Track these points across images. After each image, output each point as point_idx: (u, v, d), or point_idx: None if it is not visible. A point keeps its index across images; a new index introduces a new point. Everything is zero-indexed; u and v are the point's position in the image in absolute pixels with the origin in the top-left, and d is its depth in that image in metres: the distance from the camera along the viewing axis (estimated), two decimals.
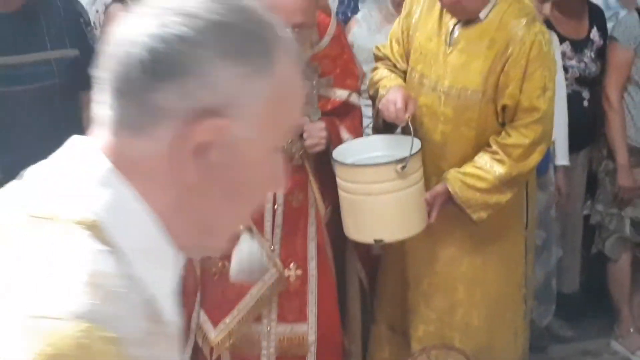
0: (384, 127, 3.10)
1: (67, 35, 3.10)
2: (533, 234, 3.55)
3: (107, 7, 3.51)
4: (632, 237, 4.21)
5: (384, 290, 3.35)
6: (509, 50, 2.89)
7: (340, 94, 3.12)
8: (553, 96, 2.99)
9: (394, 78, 3.03)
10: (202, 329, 3.17)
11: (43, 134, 2.91)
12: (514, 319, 3.29)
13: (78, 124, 3.12)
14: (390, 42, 3.17)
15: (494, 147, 2.94)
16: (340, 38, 3.19)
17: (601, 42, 4.13)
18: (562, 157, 4.03)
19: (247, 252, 2.89)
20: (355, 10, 4.19)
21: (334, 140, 3.06)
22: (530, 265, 3.52)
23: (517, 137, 2.94)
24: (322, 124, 3.04)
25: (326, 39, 3.07)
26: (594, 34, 4.13)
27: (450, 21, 2.94)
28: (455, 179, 2.95)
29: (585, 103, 4.14)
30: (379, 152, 3.00)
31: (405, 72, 3.10)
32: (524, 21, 2.90)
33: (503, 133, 2.97)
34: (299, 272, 3.16)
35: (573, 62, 4.07)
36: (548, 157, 3.85)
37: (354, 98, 3.17)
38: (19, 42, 2.96)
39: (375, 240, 2.95)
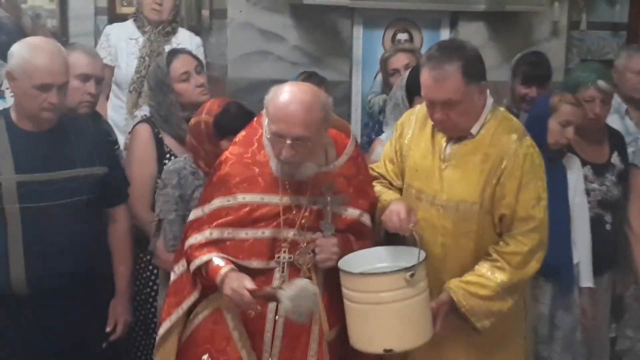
0: (385, 239, 3.12)
1: (96, 153, 3.17)
2: (529, 346, 3.49)
3: (134, 126, 3.64)
4: None
5: None
6: (504, 164, 2.93)
7: (352, 213, 3.06)
8: (546, 205, 3.00)
9: (392, 193, 3.07)
10: None
11: (70, 248, 3.02)
12: None
13: (104, 238, 3.22)
14: (384, 162, 3.23)
15: (494, 256, 2.95)
16: (357, 159, 3.16)
17: (622, 166, 4.10)
18: (586, 279, 3.90)
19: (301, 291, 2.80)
20: (380, 132, 4.19)
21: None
22: None
23: (516, 245, 2.95)
24: (334, 240, 2.98)
25: (343, 158, 3.05)
26: (615, 158, 4.09)
27: (442, 139, 3.01)
28: (458, 288, 2.94)
29: (608, 226, 4.05)
30: (383, 262, 2.98)
31: (400, 190, 3.15)
32: (515, 136, 2.96)
33: (502, 242, 2.97)
34: None
35: (595, 186, 4.00)
36: (572, 278, 3.84)
37: (366, 218, 3.11)
38: (50, 159, 3.03)
39: (385, 350, 2.85)
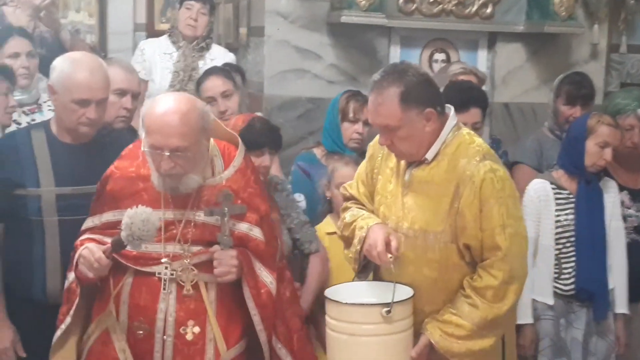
0: (360, 271, 3.09)
1: None
2: None
3: None
4: None
5: None
6: (460, 191, 2.85)
7: (240, 227, 2.98)
8: (515, 233, 2.89)
9: (367, 216, 3.02)
10: None
11: None
12: None
13: None
14: (357, 183, 3.19)
15: (467, 291, 2.87)
16: (246, 172, 3.09)
17: None
18: (621, 305, 3.86)
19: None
20: None
21: (246, 271, 2.94)
22: None
23: (487, 279, 2.85)
24: (233, 252, 2.92)
25: (230, 170, 3.00)
26: None
27: (404, 164, 2.98)
28: (434, 329, 2.88)
29: None
30: (369, 297, 2.95)
31: (372, 212, 3.10)
32: (473, 161, 2.86)
33: (475, 275, 2.89)
34: None
35: (631, 211, 4.00)
36: (607, 304, 3.80)
37: (256, 232, 3.02)
38: (87, 173, 3.06)
39: None
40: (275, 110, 4.77)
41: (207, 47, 4.89)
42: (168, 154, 2.74)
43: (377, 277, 3.07)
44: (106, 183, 2.97)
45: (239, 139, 3.14)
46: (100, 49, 5.45)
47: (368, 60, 4.94)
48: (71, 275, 2.97)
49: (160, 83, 4.76)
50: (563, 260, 3.85)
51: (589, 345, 3.86)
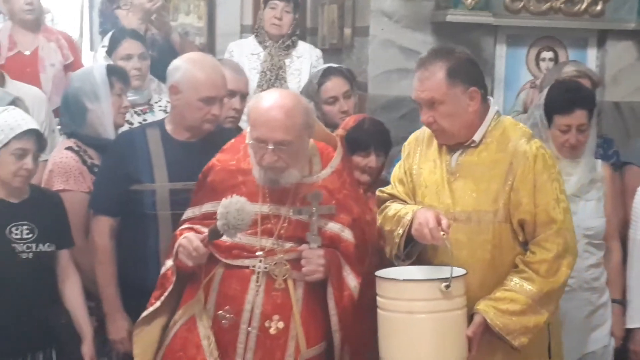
0: (406, 256, 3.01)
1: None
2: None
3: None
4: None
5: None
6: (514, 168, 2.88)
7: (332, 227, 2.98)
8: (568, 207, 2.94)
9: (411, 206, 3.00)
10: None
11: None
12: None
13: None
14: (394, 183, 3.17)
15: (521, 266, 2.88)
16: (342, 173, 3.10)
17: None
18: (638, 320, 3.78)
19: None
20: None
21: (333, 271, 2.95)
22: None
23: (541, 253, 2.86)
24: (321, 252, 2.92)
25: (327, 170, 3.02)
26: None
27: (448, 151, 2.98)
28: (487, 307, 2.85)
29: None
30: (422, 277, 2.92)
31: None
32: (523, 139, 2.91)
33: (528, 252, 2.90)
34: None
35: None
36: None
37: (347, 234, 3.01)
38: (198, 169, 3.10)
39: None
40: (378, 110, 4.77)
41: (294, 45, 4.90)
42: (272, 147, 2.77)
43: (427, 264, 3.05)
44: (207, 175, 3.03)
45: (338, 141, 3.17)
46: (209, 50, 5.52)
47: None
48: (168, 263, 3.03)
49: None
50: None
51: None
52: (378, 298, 2.82)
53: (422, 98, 2.94)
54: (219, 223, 2.76)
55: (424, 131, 3.15)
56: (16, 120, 3.14)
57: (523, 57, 5.06)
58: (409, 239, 2.93)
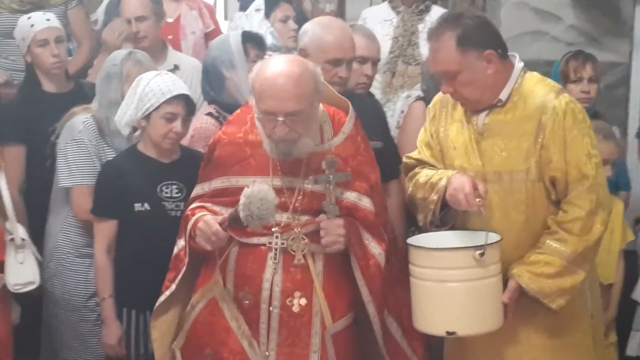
0: (442, 222, 2.96)
1: (372, 128, 3.22)
2: (600, 324, 3.39)
3: (409, 105, 3.72)
4: None
5: None
6: (543, 124, 2.80)
7: (349, 196, 2.84)
8: (600, 162, 2.84)
9: (443, 171, 2.93)
10: None
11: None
12: None
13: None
14: (421, 148, 3.09)
15: (553, 227, 2.81)
16: (356, 139, 2.95)
17: None
18: None
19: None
20: None
21: (354, 241, 2.81)
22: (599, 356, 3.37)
23: (574, 211, 2.79)
24: (340, 221, 2.78)
25: (340, 136, 2.85)
26: None
27: (475, 112, 2.93)
28: (522, 272, 2.80)
29: None
30: (456, 243, 2.85)
31: None
32: (552, 94, 2.81)
33: (560, 212, 2.83)
34: None
35: None
36: None
37: (365, 202, 2.88)
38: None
39: (448, 333, 2.73)
40: None
41: (427, 10, 4.73)
42: (282, 118, 2.64)
43: (459, 228, 3.00)
44: (214, 149, 2.93)
45: (350, 104, 3.02)
46: (339, 17, 5.32)
47: (610, 21, 4.95)
48: (180, 243, 2.97)
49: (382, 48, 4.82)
50: None
51: None
52: (410, 266, 2.79)
53: (437, 71, 2.94)
54: (242, 214, 2.64)
55: (444, 96, 3.14)
56: (167, 85, 3.21)
57: None
58: (443, 205, 2.89)
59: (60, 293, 3.57)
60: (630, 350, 3.99)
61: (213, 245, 2.78)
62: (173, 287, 2.93)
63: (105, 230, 3.32)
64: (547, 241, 2.83)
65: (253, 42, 3.74)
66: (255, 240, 2.81)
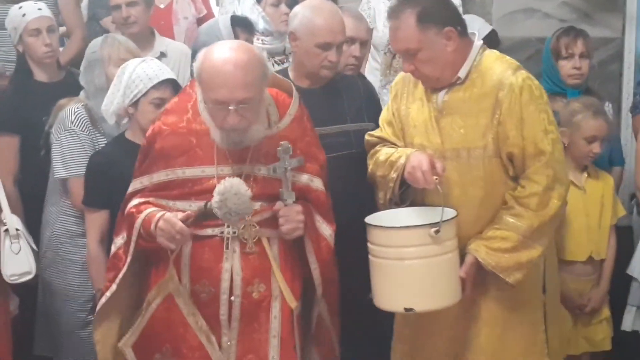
0: (401, 200, 3.02)
1: (364, 110, 3.27)
2: (555, 300, 3.47)
3: None
4: None
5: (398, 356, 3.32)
6: (500, 100, 2.84)
7: (300, 178, 2.85)
8: (557, 138, 2.92)
9: (402, 149, 2.99)
10: None
11: (342, 198, 3.04)
12: None
13: (369, 190, 3.19)
14: (383, 126, 3.15)
15: (510, 203, 2.87)
16: (302, 119, 2.96)
17: None
18: None
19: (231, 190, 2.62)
20: None
21: (309, 225, 2.85)
22: (553, 332, 3.40)
23: (530, 186, 2.85)
24: (299, 207, 2.79)
25: (286, 119, 2.85)
26: None
27: (435, 90, 2.99)
28: (479, 247, 2.86)
29: None
30: (415, 220, 2.90)
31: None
32: (509, 71, 2.87)
33: (518, 187, 2.90)
34: None
35: None
36: None
37: (317, 183, 2.91)
38: (323, 115, 3.15)
39: (406, 309, 2.78)
40: (504, 51, 4.62)
41: None
42: (233, 107, 2.60)
43: (420, 203, 3.04)
44: (154, 141, 2.86)
45: (292, 86, 3.02)
46: None
47: None
48: (119, 241, 2.93)
49: (383, 31, 4.59)
50: None
51: None
52: (368, 244, 2.83)
53: (398, 49, 3.00)
54: (220, 213, 2.65)
55: (405, 75, 3.20)
56: (154, 71, 3.24)
57: None
58: (403, 183, 2.95)
59: (57, 282, 3.59)
60: (625, 325, 4.00)
61: (177, 244, 2.76)
62: (114, 287, 2.90)
63: (98, 220, 3.33)
64: (504, 216, 2.89)
65: (242, 26, 3.72)
66: (209, 231, 2.79)
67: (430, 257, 2.77)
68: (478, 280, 2.97)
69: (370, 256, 2.86)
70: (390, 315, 3.21)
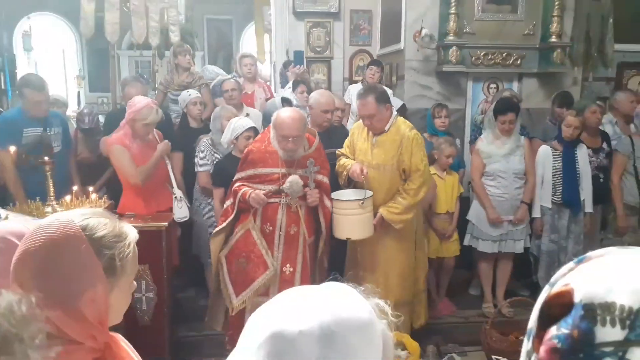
0: (348, 184, 3.70)
1: (341, 142, 4.01)
2: (421, 236, 4.15)
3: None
4: None
5: (349, 266, 3.92)
6: (403, 143, 3.59)
7: (317, 177, 3.49)
8: (426, 163, 3.68)
9: (351, 161, 3.71)
10: (230, 297, 3.48)
11: (331, 182, 3.82)
12: (413, 276, 3.92)
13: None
14: (345, 148, 3.84)
15: (400, 191, 3.62)
16: (320, 149, 3.54)
17: (608, 149, 5.02)
18: (588, 207, 4.83)
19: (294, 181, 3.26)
20: (480, 134, 5.09)
21: (321, 200, 3.48)
22: (420, 251, 4.10)
23: (411, 184, 3.62)
24: (317, 190, 3.43)
25: (313, 147, 3.49)
26: (604, 145, 5.08)
27: (372, 135, 3.62)
28: (384, 210, 3.61)
29: (601, 180, 5.02)
30: (353, 196, 3.58)
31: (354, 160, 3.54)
32: (407, 129, 3.62)
33: (405, 184, 3.63)
34: (291, 269, 3.45)
35: (593, 159, 4.99)
36: (579, 207, 4.77)
37: (325, 179, 3.54)
38: (325, 144, 3.72)
39: (347, 238, 3.62)
40: (410, 114, 5.38)
41: None
42: (291, 139, 3.26)
43: (357, 187, 3.63)
44: (248, 155, 3.43)
45: (316, 132, 3.58)
46: (327, 88, 6.15)
47: (456, 90, 5.75)
48: (227, 203, 3.50)
49: (354, 105, 5.04)
50: (556, 185, 4.79)
51: (570, 227, 4.80)
52: (333, 208, 3.47)
53: (364, 115, 3.58)
54: (289, 191, 3.28)
55: (360, 123, 3.82)
56: (245, 122, 4.06)
57: (481, 87, 5.81)
58: (350, 176, 3.57)
59: (199, 221, 4.43)
60: (465, 242, 4.93)
61: (260, 205, 3.33)
62: (224, 224, 3.48)
63: (219, 192, 4.04)
64: (397, 197, 3.58)
65: (286, 102, 4.86)
66: (273, 200, 3.42)
67: (360, 215, 3.49)
68: (383, 226, 3.60)
69: (333, 213, 3.48)
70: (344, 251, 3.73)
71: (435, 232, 4.64)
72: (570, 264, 0.77)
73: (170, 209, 4.08)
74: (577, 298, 0.72)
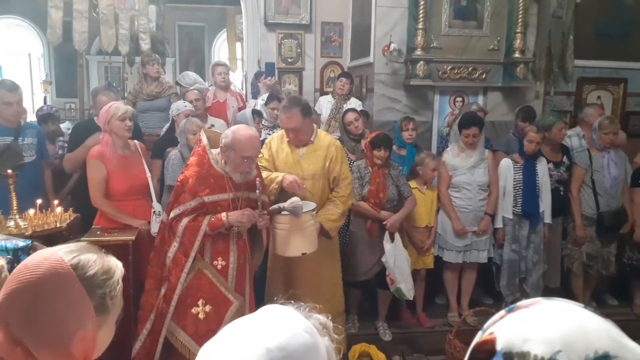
0: (277, 197, 3.52)
1: None
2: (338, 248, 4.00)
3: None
4: (587, 262, 5.13)
5: (273, 283, 3.89)
6: (331, 153, 3.62)
7: (264, 197, 3.36)
8: (351, 172, 3.72)
9: (276, 174, 3.55)
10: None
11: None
12: (335, 290, 3.91)
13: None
14: (263, 160, 3.67)
15: (332, 199, 3.63)
16: (259, 168, 3.42)
17: (568, 163, 5.11)
18: (547, 219, 4.90)
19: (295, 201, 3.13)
20: (446, 146, 5.13)
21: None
22: (348, 261, 4.09)
23: (341, 192, 3.66)
24: (264, 213, 3.36)
25: (254, 171, 3.28)
26: (565, 159, 5.13)
27: (296, 147, 3.55)
28: (322, 218, 3.60)
29: (561, 193, 5.10)
30: (298, 210, 3.40)
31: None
32: (332, 140, 3.66)
33: (334, 191, 3.67)
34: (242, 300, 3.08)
35: (554, 172, 5.04)
36: (539, 218, 4.84)
37: (266, 199, 3.42)
38: None
39: (303, 253, 3.41)
40: (379, 128, 5.40)
41: (348, 98, 5.82)
42: (249, 160, 3.04)
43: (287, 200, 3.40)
44: (184, 185, 3.09)
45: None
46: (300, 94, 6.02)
47: (423, 102, 5.79)
48: (172, 249, 3.26)
49: (324, 115, 5.72)
50: (517, 197, 4.87)
51: (530, 237, 4.88)
52: (281, 225, 3.33)
53: (289, 128, 3.49)
54: (293, 212, 3.22)
55: (279, 133, 3.71)
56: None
57: (447, 101, 5.85)
58: (282, 189, 3.39)
59: None
60: (440, 254, 4.86)
61: (251, 223, 3.11)
62: (183, 276, 3.23)
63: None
64: (330, 206, 3.59)
65: (256, 115, 4.82)
66: (223, 230, 3.09)
67: (312, 226, 3.37)
68: (321, 235, 3.55)
69: (279, 230, 3.30)
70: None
71: (413, 245, 4.66)
72: (502, 312, 0.82)
73: (149, 223, 3.90)
74: (499, 346, 0.77)
